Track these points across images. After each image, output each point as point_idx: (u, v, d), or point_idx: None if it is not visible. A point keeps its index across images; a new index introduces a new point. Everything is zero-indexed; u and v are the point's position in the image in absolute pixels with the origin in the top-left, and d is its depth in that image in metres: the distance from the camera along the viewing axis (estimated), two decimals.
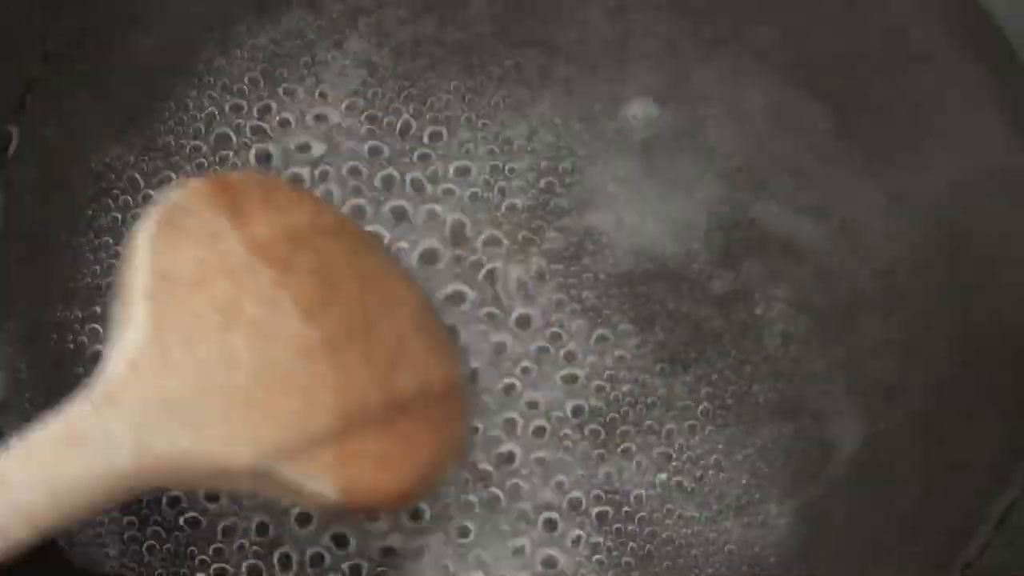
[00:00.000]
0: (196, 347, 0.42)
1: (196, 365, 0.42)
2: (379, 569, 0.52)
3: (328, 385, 0.45)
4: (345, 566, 0.52)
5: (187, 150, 0.56)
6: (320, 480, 0.43)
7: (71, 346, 0.54)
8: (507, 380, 0.53)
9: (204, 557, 0.52)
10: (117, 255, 0.54)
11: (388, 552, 0.52)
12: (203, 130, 0.56)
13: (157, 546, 0.52)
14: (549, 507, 0.52)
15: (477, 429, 0.53)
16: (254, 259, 0.45)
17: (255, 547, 0.52)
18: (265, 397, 0.43)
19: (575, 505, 0.52)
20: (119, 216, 0.55)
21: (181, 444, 0.41)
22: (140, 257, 0.43)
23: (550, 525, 0.52)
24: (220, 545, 0.52)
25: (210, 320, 0.43)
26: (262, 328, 0.44)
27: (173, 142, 0.56)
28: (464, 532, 0.52)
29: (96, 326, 0.54)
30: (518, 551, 0.52)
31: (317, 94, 0.57)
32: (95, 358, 0.53)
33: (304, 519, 0.52)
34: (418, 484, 0.47)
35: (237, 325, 0.43)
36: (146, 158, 0.55)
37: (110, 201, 0.55)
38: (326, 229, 0.49)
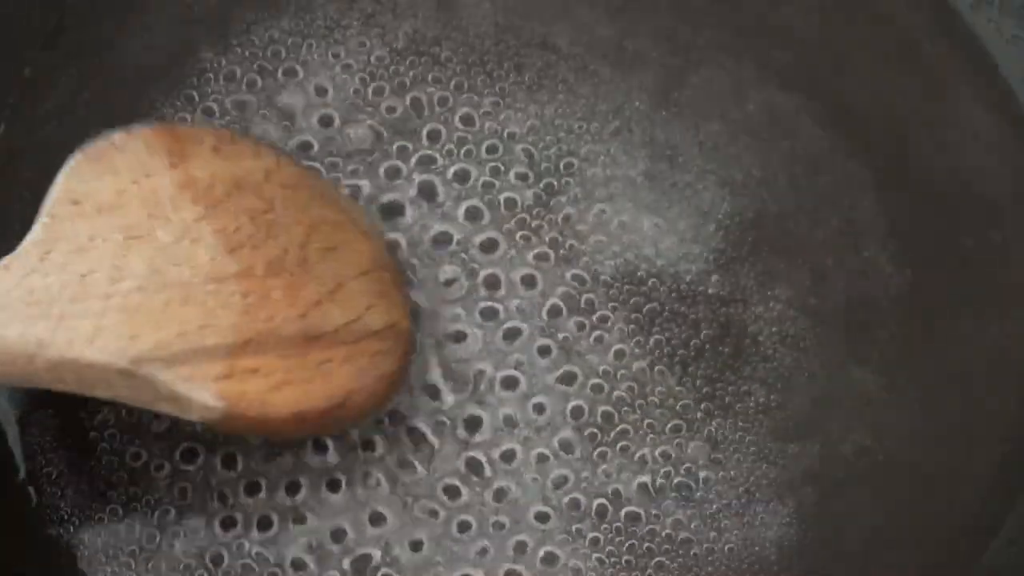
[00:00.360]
0: (83, 257, 0.45)
1: (77, 272, 0.45)
2: (382, 571, 0.51)
3: (233, 309, 0.47)
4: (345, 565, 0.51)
5: None
6: (203, 389, 0.45)
7: None
8: (507, 379, 0.53)
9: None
10: None
11: (390, 550, 0.52)
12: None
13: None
14: (549, 505, 0.52)
15: (475, 420, 0.53)
16: (184, 196, 0.48)
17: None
18: (153, 308, 0.46)
19: (575, 504, 0.52)
20: None
21: (34, 333, 0.44)
22: (55, 185, 0.47)
23: (550, 523, 0.52)
24: None
25: (110, 239, 0.46)
26: (169, 253, 0.47)
27: None
28: (464, 527, 0.52)
29: None
30: (519, 548, 0.52)
31: (317, 93, 0.57)
32: None
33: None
34: (326, 414, 0.48)
35: (140, 247, 0.46)
36: None
37: None
38: (283, 181, 0.50)
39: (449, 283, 0.54)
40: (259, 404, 0.47)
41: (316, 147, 0.56)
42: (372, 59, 0.57)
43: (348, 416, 0.50)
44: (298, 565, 0.51)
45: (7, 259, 0.45)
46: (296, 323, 0.48)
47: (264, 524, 0.52)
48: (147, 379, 0.45)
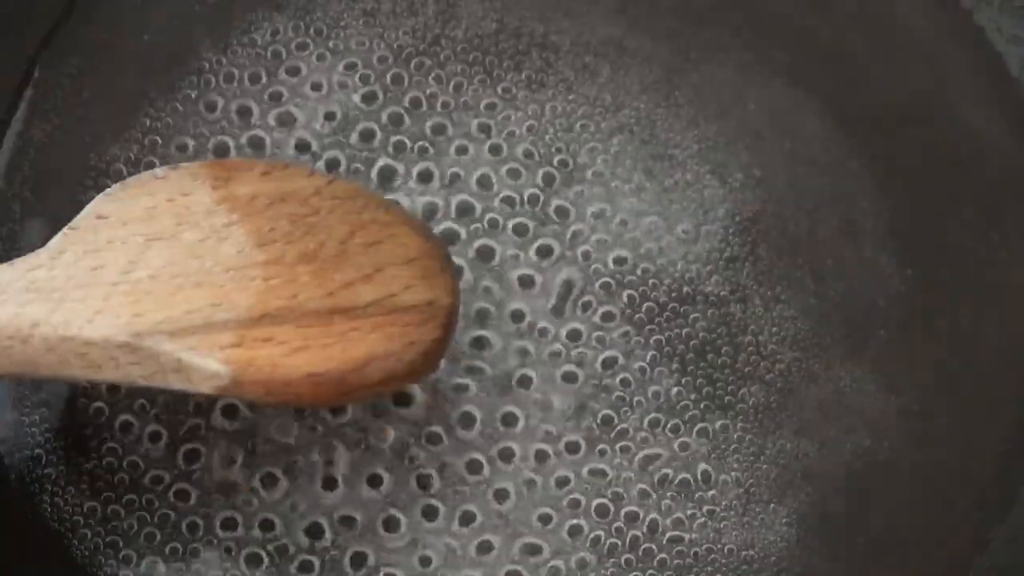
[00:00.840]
0: (96, 256, 0.45)
1: (87, 267, 0.45)
2: (384, 571, 0.51)
3: (251, 291, 0.46)
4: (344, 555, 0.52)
5: (188, 147, 0.55)
6: (209, 357, 0.45)
7: None
8: (507, 378, 0.53)
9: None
10: None
11: (392, 542, 0.52)
12: (203, 127, 0.56)
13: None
14: (549, 504, 0.52)
15: (475, 418, 0.53)
16: (220, 207, 0.47)
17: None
18: (162, 292, 0.45)
19: (575, 503, 0.52)
20: None
21: (29, 313, 0.44)
22: (87, 207, 0.47)
23: (550, 521, 0.52)
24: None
25: (130, 241, 0.46)
26: (191, 249, 0.46)
27: (174, 139, 0.56)
28: (468, 519, 0.52)
29: None
30: (519, 548, 0.52)
31: (317, 92, 0.56)
32: None
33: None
34: (344, 379, 0.47)
35: (161, 245, 0.46)
36: (146, 154, 0.55)
37: None
38: (334, 194, 0.49)
39: None
40: (270, 368, 0.45)
41: (315, 146, 0.56)
42: (373, 59, 0.57)
43: (371, 383, 0.48)
44: (305, 567, 0.51)
45: (17, 260, 0.45)
46: (321, 301, 0.47)
47: (266, 525, 0.52)
48: (151, 351, 0.45)
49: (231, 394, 0.47)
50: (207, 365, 0.45)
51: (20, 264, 0.45)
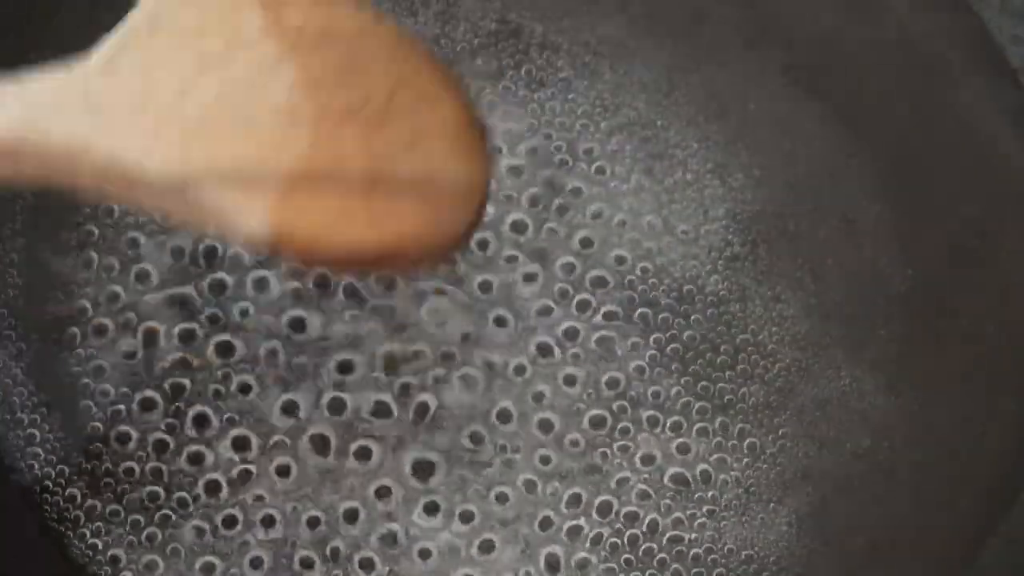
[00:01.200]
0: (150, 72, 0.43)
1: (138, 85, 0.43)
2: (389, 567, 0.52)
3: (299, 143, 0.44)
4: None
5: None
6: (252, 213, 0.43)
7: (70, 335, 0.54)
8: (506, 377, 0.53)
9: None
10: (114, 250, 0.55)
11: (386, 537, 0.52)
12: None
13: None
14: (550, 503, 0.52)
15: (474, 418, 0.53)
16: (269, 37, 0.45)
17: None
18: (213, 131, 0.44)
19: (575, 501, 0.52)
20: (116, 208, 0.55)
21: (83, 135, 0.42)
22: (136, 7, 0.44)
23: (551, 521, 0.52)
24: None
25: (183, 63, 0.44)
26: (242, 85, 0.44)
27: None
28: (467, 517, 0.52)
29: (101, 317, 0.54)
30: (520, 546, 0.52)
31: None
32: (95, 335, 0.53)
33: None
34: (377, 257, 0.46)
35: (212, 74, 0.44)
36: None
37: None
38: (379, 37, 0.48)
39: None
40: (310, 238, 0.44)
41: None
42: None
43: (404, 259, 0.47)
44: (305, 563, 0.51)
45: (68, 65, 0.43)
46: (365, 165, 0.45)
47: (267, 522, 0.52)
48: (195, 195, 0.43)
49: (262, 253, 0.46)
50: (250, 223, 0.43)
51: (77, 68, 0.43)
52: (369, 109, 0.46)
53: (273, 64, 0.45)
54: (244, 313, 0.54)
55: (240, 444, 0.52)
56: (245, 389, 0.53)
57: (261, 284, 0.54)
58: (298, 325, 0.54)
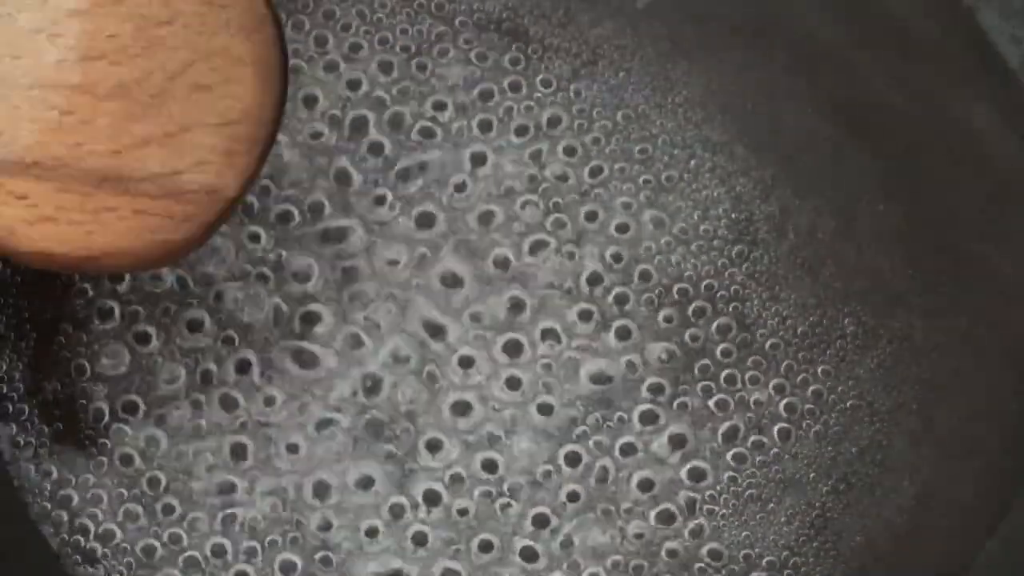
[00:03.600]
0: None
1: None
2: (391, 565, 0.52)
3: (42, 124, 0.41)
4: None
5: None
6: None
7: (68, 331, 0.54)
8: (506, 377, 0.53)
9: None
10: None
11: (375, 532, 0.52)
12: None
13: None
14: (549, 504, 0.52)
15: (473, 417, 0.53)
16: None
17: None
18: None
19: (575, 498, 0.52)
20: None
21: None
22: None
23: (551, 524, 0.52)
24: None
25: None
26: (17, 43, 0.40)
27: None
28: (464, 512, 0.52)
29: (97, 321, 0.54)
30: (520, 549, 0.52)
31: (317, 91, 0.57)
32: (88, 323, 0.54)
33: None
34: (76, 263, 0.43)
35: None
36: None
37: None
38: (200, 9, 0.44)
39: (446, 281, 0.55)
40: (6, 233, 0.42)
41: (324, 138, 0.56)
42: (374, 59, 0.57)
43: (102, 271, 0.45)
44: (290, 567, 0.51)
45: None
46: (103, 159, 0.42)
47: (268, 519, 0.52)
48: None
49: None
50: None
51: None
52: (147, 86, 0.42)
53: (62, 20, 0.41)
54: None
55: (237, 452, 0.53)
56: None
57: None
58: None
